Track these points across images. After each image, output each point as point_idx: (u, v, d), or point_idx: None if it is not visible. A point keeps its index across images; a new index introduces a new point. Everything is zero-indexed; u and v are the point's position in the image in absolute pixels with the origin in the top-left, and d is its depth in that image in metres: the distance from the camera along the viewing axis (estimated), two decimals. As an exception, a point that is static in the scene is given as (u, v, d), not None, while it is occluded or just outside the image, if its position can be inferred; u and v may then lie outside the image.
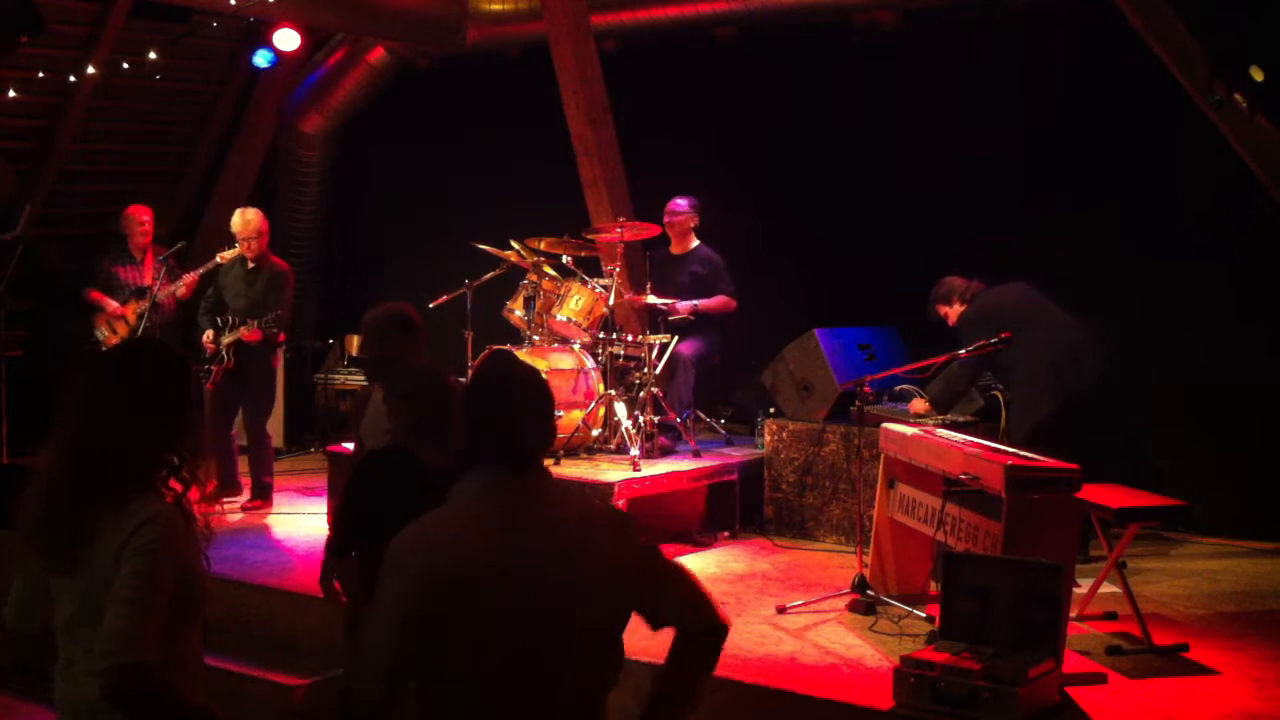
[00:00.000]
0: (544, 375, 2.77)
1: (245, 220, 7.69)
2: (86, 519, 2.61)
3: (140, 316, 8.15)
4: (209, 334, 7.60)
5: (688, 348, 7.65)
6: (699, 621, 2.68)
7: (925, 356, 6.32)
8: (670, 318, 7.78)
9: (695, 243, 8.01)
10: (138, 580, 2.52)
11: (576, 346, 7.47)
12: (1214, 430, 7.01)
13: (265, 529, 7.13)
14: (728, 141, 8.89)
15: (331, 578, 4.29)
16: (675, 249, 8.03)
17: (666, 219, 7.94)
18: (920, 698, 4.14)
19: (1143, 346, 7.05)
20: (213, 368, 7.44)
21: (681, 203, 7.95)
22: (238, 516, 7.41)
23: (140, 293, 8.26)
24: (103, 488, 2.62)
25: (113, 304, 8.51)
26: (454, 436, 3.79)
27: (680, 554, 6.74)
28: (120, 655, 2.46)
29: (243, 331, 7.46)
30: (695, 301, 7.70)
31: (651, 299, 7.50)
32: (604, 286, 7.43)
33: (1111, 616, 5.34)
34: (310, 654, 5.38)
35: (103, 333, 8.50)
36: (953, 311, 6.69)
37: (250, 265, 7.68)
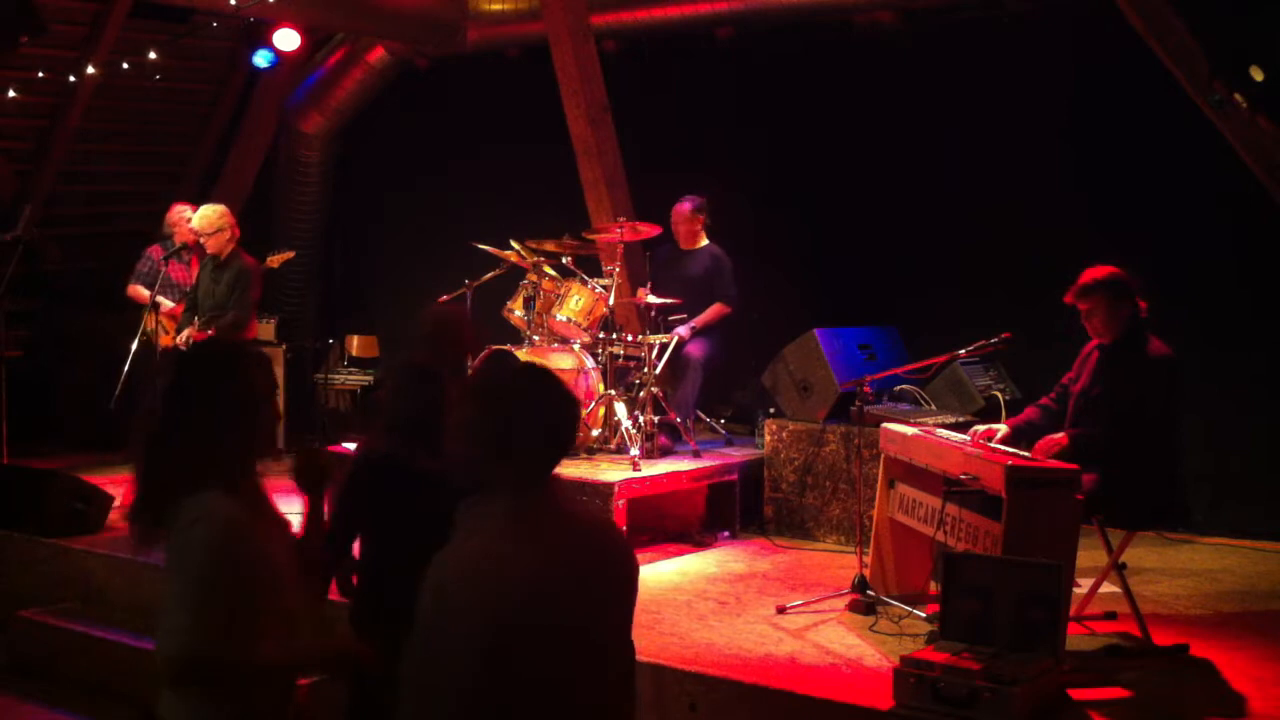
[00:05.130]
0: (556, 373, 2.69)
1: (202, 215, 7.54)
2: (156, 510, 2.72)
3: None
4: (184, 334, 7.49)
5: (698, 350, 7.67)
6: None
7: (925, 356, 6.31)
8: (671, 317, 7.80)
9: (705, 241, 8.03)
10: (185, 577, 2.62)
11: (576, 346, 7.47)
12: (1214, 430, 7.00)
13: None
14: (727, 141, 8.90)
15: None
16: (684, 245, 8.05)
17: (672, 220, 7.97)
18: (920, 698, 4.14)
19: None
20: None
21: (685, 205, 7.97)
22: None
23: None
24: (166, 482, 2.72)
25: (167, 303, 8.26)
26: (446, 438, 3.76)
27: (680, 554, 6.74)
28: (166, 649, 2.58)
29: (190, 331, 7.34)
30: (691, 323, 7.72)
31: (651, 298, 7.50)
32: (604, 286, 7.43)
33: (1111, 616, 5.33)
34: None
35: (153, 332, 8.17)
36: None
37: (218, 262, 7.53)
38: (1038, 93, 7.61)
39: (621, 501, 6.43)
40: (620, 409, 7.24)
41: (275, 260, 8.28)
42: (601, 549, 2.64)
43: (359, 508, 3.76)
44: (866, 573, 5.59)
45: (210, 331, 7.31)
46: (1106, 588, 5.42)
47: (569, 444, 2.64)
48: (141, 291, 8.41)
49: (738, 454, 7.55)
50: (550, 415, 2.59)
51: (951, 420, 6.49)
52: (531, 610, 2.42)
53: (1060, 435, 5.13)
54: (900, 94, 8.16)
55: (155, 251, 8.57)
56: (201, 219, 7.55)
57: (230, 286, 7.46)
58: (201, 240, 7.54)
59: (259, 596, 2.67)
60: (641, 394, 7.29)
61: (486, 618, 2.39)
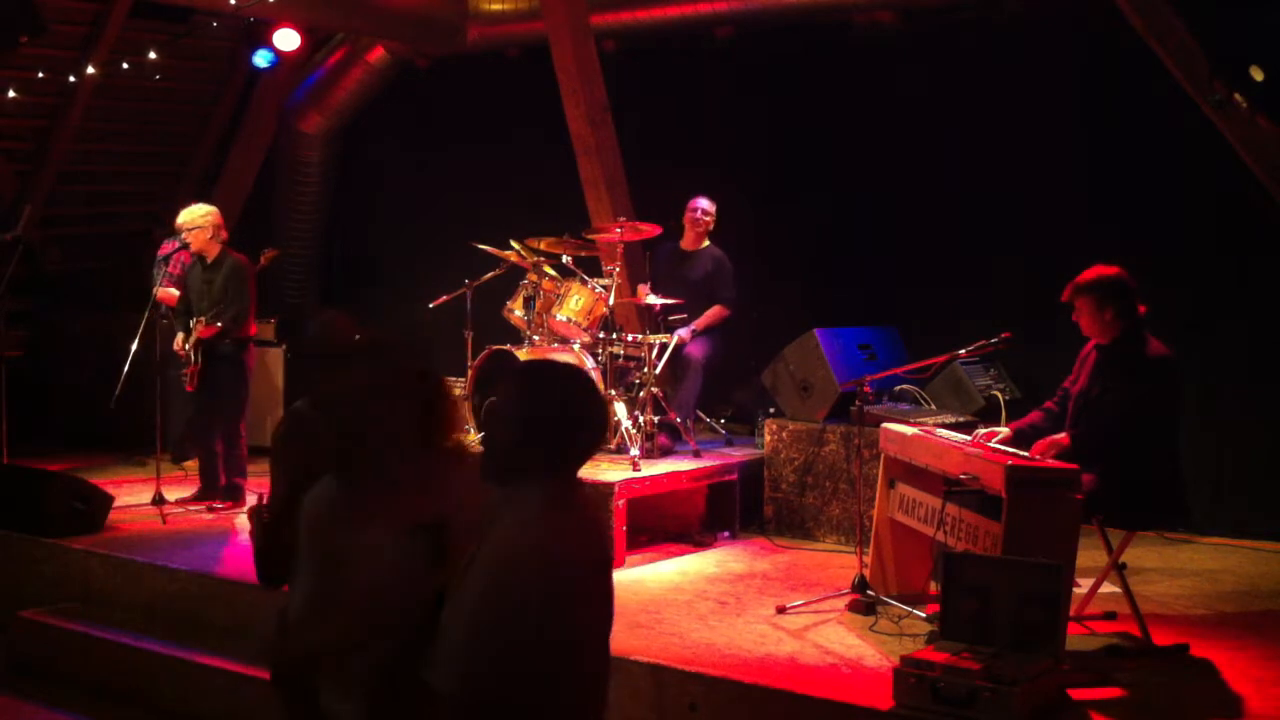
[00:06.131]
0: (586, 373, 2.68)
1: (188, 210, 7.46)
2: None
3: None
4: (180, 338, 7.40)
5: (698, 350, 7.66)
6: None
7: (925, 356, 6.32)
8: (671, 317, 7.80)
9: (707, 243, 8.03)
10: None
11: (576, 346, 7.46)
12: (1214, 430, 7.00)
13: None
14: (727, 141, 8.89)
15: None
16: (687, 245, 8.04)
17: (688, 216, 7.95)
18: (920, 698, 4.14)
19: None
20: (187, 371, 7.32)
21: (701, 202, 7.96)
22: (210, 516, 7.28)
23: None
24: None
25: (173, 293, 8.01)
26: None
27: (680, 554, 6.74)
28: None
29: (198, 329, 7.34)
30: (693, 325, 7.73)
31: (652, 298, 7.50)
32: (604, 286, 7.43)
33: (1111, 616, 5.33)
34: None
35: (165, 326, 7.88)
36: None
37: (206, 263, 7.46)
38: (1037, 93, 7.61)
39: (621, 501, 6.43)
40: (620, 409, 7.24)
41: (265, 258, 8.21)
42: (604, 546, 2.69)
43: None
44: (866, 573, 5.60)
45: (216, 328, 7.28)
46: (1106, 588, 5.42)
47: (603, 440, 2.69)
48: (172, 293, 8.23)
49: (738, 454, 7.54)
50: (593, 409, 2.63)
51: (951, 420, 6.50)
52: (556, 604, 2.44)
53: (1061, 435, 5.13)
54: (900, 94, 8.16)
55: (165, 248, 8.47)
56: (186, 212, 7.48)
57: (225, 284, 7.38)
58: (184, 236, 7.46)
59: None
60: (641, 394, 7.29)
61: (512, 611, 2.42)
